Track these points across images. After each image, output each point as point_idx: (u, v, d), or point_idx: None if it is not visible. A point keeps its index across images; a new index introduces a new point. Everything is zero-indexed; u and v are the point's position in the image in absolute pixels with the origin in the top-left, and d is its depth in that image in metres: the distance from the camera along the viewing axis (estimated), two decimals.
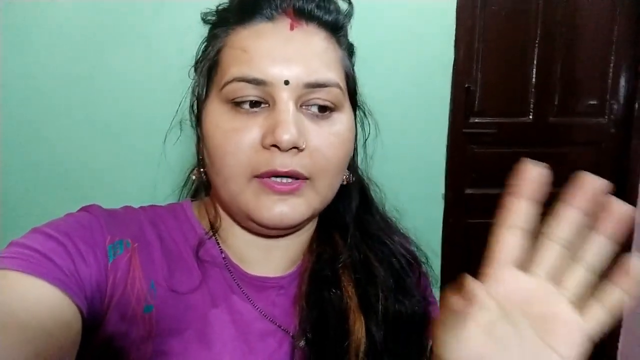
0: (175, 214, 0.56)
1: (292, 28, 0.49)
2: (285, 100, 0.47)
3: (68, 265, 0.42)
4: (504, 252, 0.36)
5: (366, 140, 0.63)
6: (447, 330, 0.35)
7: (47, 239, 0.43)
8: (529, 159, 0.34)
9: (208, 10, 0.56)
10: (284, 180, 0.48)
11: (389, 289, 0.55)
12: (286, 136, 0.45)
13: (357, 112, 0.59)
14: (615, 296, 0.34)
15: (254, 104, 0.48)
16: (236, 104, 0.49)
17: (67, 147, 1.50)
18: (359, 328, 0.51)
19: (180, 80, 0.59)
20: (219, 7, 0.55)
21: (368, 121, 0.62)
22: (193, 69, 0.56)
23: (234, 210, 0.52)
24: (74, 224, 0.47)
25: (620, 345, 2.00)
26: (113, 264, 0.47)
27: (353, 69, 0.57)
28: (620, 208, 0.34)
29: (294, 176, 0.48)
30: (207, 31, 0.56)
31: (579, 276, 0.35)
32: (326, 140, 0.49)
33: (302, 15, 0.50)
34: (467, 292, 0.35)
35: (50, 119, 1.48)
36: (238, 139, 0.47)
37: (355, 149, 0.60)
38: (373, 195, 0.64)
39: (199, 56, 0.56)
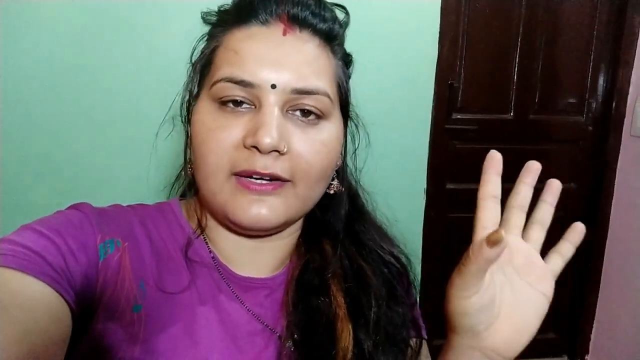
0: (164, 214, 0.56)
1: (284, 33, 0.49)
2: (271, 104, 0.47)
3: (59, 262, 0.42)
4: (488, 217, 0.45)
5: (356, 150, 0.62)
6: (468, 279, 0.42)
7: (38, 236, 0.43)
8: (494, 151, 0.46)
9: (208, 10, 0.56)
10: (263, 181, 0.48)
11: (382, 298, 0.56)
12: (267, 139, 0.45)
13: (349, 124, 0.59)
14: (566, 247, 0.49)
15: (239, 103, 0.48)
16: (223, 102, 0.49)
17: (60, 142, 1.48)
18: (346, 336, 0.52)
19: (174, 77, 0.58)
20: (219, 8, 0.55)
21: (359, 133, 0.62)
22: (189, 66, 0.56)
23: (214, 209, 0.52)
24: (65, 221, 0.46)
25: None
26: (104, 263, 0.47)
27: (347, 80, 0.57)
28: (556, 183, 0.49)
29: (274, 178, 0.48)
30: (204, 29, 0.56)
31: (537, 233, 0.49)
32: (311, 147, 0.49)
33: (295, 21, 0.50)
34: (493, 239, 0.39)
35: (43, 114, 1.46)
36: (221, 136, 0.48)
37: (345, 161, 0.60)
38: (364, 202, 0.64)
39: (195, 54, 0.56)
